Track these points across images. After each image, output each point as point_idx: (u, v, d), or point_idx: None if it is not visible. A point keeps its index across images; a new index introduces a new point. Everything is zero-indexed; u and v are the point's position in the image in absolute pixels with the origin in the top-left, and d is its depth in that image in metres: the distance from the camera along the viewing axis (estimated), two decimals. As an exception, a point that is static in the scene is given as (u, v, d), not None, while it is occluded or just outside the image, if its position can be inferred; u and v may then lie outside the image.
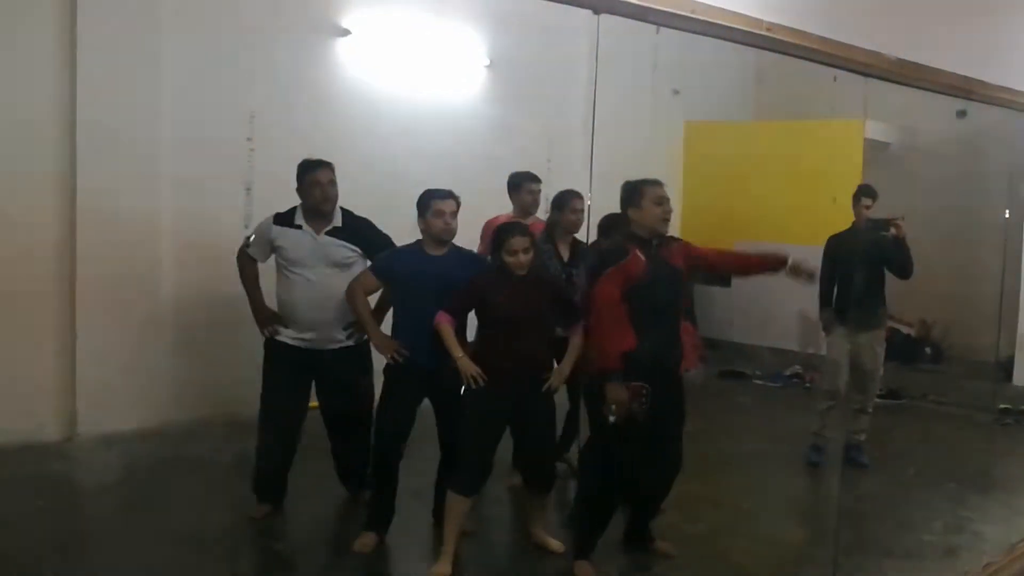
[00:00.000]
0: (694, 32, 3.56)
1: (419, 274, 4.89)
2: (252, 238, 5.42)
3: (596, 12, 3.30)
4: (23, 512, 5.31)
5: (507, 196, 6.35)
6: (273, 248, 5.31)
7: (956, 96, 5.37)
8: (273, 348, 5.36)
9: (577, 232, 5.84)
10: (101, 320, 6.64)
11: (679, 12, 3.36)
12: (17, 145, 6.31)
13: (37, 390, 6.52)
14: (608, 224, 5.93)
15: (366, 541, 5.00)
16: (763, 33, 3.74)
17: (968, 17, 5.22)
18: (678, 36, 3.66)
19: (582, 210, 5.68)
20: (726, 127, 10.66)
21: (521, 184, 6.38)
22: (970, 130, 9.11)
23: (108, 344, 6.70)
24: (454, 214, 4.93)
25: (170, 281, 6.96)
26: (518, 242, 4.71)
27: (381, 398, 5.05)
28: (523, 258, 4.70)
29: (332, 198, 5.29)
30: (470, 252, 5.19)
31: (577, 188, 5.89)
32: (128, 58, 6.63)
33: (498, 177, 6.46)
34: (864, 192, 6.74)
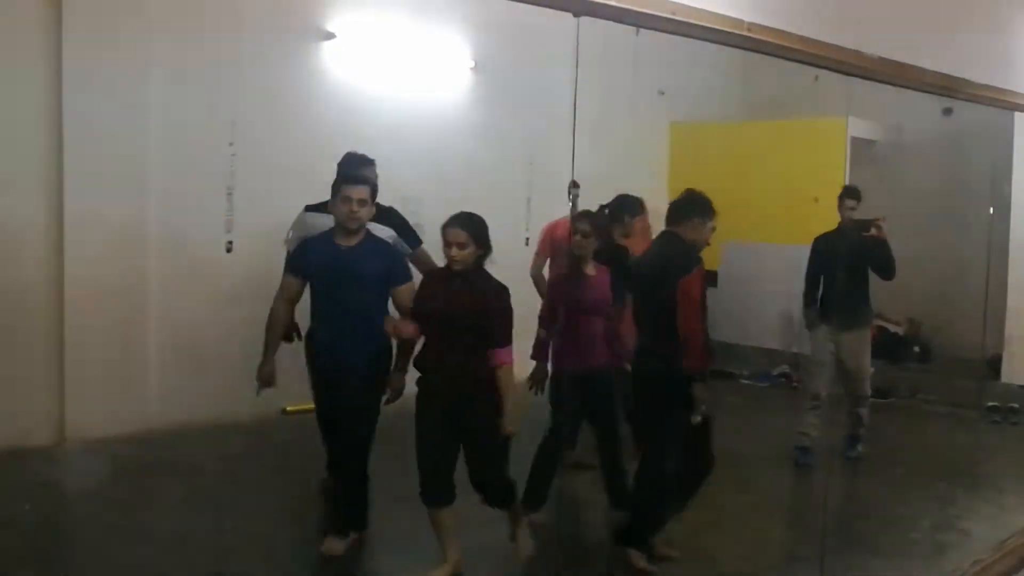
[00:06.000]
0: (674, 34, 3.56)
1: (327, 268, 4.79)
2: (289, 234, 5.43)
3: (576, 15, 3.30)
4: (11, 517, 5.29)
5: (493, 197, 6.39)
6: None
7: (939, 95, 5.39)
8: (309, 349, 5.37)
9: None
10: (89, 324, 6.63)
11: (658, 14, 3.36)
12: (4, 150, 6.29)
13: (25, 395, 6.49)
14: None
15: (333, 546, 4.87)
16: (744, 34, 3.74)
17: (951, 16, 5.23)
18: (662, 37, 3.66)
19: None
20: (712, 127, 10.65)
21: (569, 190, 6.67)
22: (955, 128, 9.12)
23: (96, 349, 6.68)
24: (363, 202, 4.75)
25: (156, 285, 6.94)
26: (451, 234, 4.44)
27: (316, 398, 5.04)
28: (455, 252, 4.41)
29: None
30: (384, 242, 5.02)
31: (561, 190, 5.92)
32: (113, 63, 6.61)
33: (482, 178, 6.47)
34: (848, 193, 6.79)
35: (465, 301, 4.43)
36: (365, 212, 4.76)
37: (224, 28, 6.99)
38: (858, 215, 6.75)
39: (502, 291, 4.53)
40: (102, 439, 6.51)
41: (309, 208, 5.48)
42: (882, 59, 4.50)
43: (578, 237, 5.35)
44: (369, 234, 4.88)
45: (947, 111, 8.86)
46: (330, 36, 7.73)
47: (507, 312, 4.49)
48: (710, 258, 10.18)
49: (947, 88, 5.23)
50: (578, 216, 5.47)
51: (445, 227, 4.46)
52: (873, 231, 6.65)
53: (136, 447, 6.50)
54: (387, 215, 5.54)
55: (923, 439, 7.86)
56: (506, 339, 4.47)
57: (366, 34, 7.85)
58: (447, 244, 4.42)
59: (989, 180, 8.52)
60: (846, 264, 6.69)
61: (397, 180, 5.90)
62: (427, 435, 4.54)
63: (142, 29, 6.71)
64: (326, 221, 5.20)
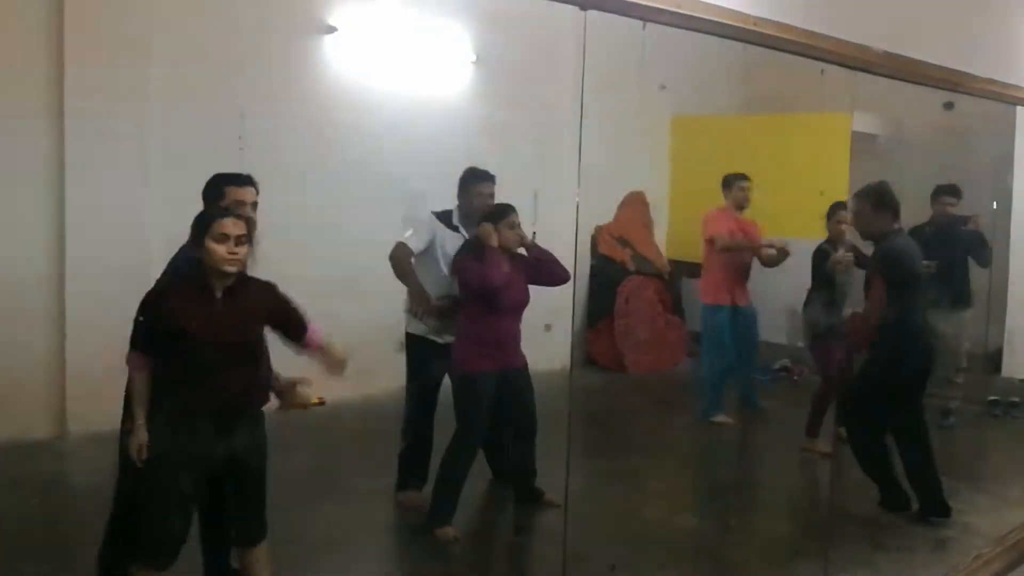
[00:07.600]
0: (680, 27, 3.56)
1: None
2: (411, 232, 5.46)
3: (583, 8, 3.30)
4: (12, 510, 5.31)
5: (499, 190, 6.37)
6: (430, 242, 5.45)
7: (944, 89, 5.39)
8: (414, 342, 5.49)
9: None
10: (90, 317, 6.62)
11: (665, 7, 3.36)
12: (5, 140, 6.30)
13: (26, 388, 6.51)
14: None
15: None
16: (750, 28, 3.74)
17: (954, 10, 5.23)
18: (666, 31, 3.65)
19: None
20: (714, 121, 10.63)
21: (732, 183, 7.36)
22: (957, 122, 9.11)
23: (97, 342, 6.66)
24: (241, 239, 3.64)
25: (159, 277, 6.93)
26: (230, 226, 3.58)
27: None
28: (237, 248, 3.57)
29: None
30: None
31: (566, 183, 5.89)
32: (118, 55, 6.62)
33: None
34: (947, 191, 7.41)
35: (255, 309, 3.73)
36: (243, 252, 3.66)
37: (229, 21, 6.99)
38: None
39: (271, 283, 3.84)
40: (103, 433, 6.49)
41: (439, 217, 5.53)
42: (887, 53, 4.49)
43: (517, 231, 5.18)
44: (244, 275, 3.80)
45: (948, 105, 8.87)
46: (332, 30, 7.74)
47: (290, 301, 3.86)
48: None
49: (950, 82, 5.23)
50: (506, 208, 5.23)
51: (218, 218, 3.62)
52: (971, 225, 7.34)
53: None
54: None
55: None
56: (305, 326, 3.89)
57: (368, 28, 7.85)
58: (220, 238, 3.56)
59: (991, 174, 8.53)
60: (949, 253, 7.15)
61: (400, 174, 5.90)
62: (175, 490, 3.67)
63: (146, 23, 6.71)
64: (449, 236, 5.38)
